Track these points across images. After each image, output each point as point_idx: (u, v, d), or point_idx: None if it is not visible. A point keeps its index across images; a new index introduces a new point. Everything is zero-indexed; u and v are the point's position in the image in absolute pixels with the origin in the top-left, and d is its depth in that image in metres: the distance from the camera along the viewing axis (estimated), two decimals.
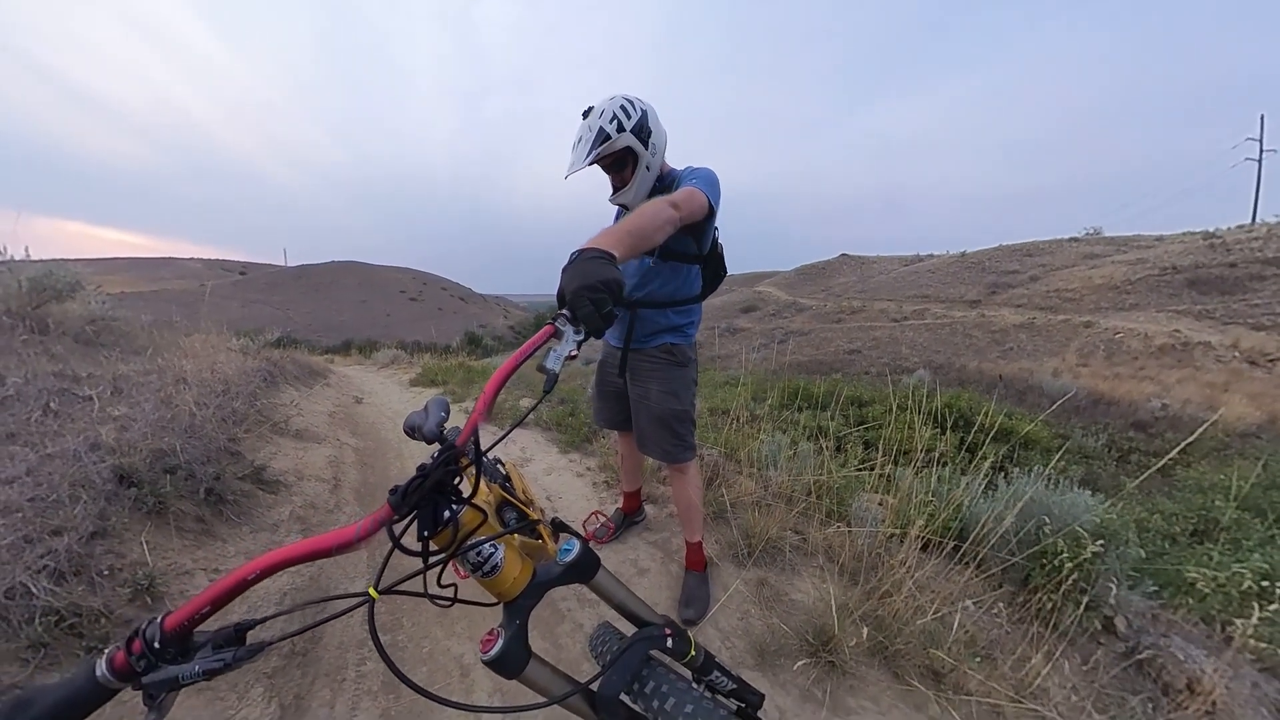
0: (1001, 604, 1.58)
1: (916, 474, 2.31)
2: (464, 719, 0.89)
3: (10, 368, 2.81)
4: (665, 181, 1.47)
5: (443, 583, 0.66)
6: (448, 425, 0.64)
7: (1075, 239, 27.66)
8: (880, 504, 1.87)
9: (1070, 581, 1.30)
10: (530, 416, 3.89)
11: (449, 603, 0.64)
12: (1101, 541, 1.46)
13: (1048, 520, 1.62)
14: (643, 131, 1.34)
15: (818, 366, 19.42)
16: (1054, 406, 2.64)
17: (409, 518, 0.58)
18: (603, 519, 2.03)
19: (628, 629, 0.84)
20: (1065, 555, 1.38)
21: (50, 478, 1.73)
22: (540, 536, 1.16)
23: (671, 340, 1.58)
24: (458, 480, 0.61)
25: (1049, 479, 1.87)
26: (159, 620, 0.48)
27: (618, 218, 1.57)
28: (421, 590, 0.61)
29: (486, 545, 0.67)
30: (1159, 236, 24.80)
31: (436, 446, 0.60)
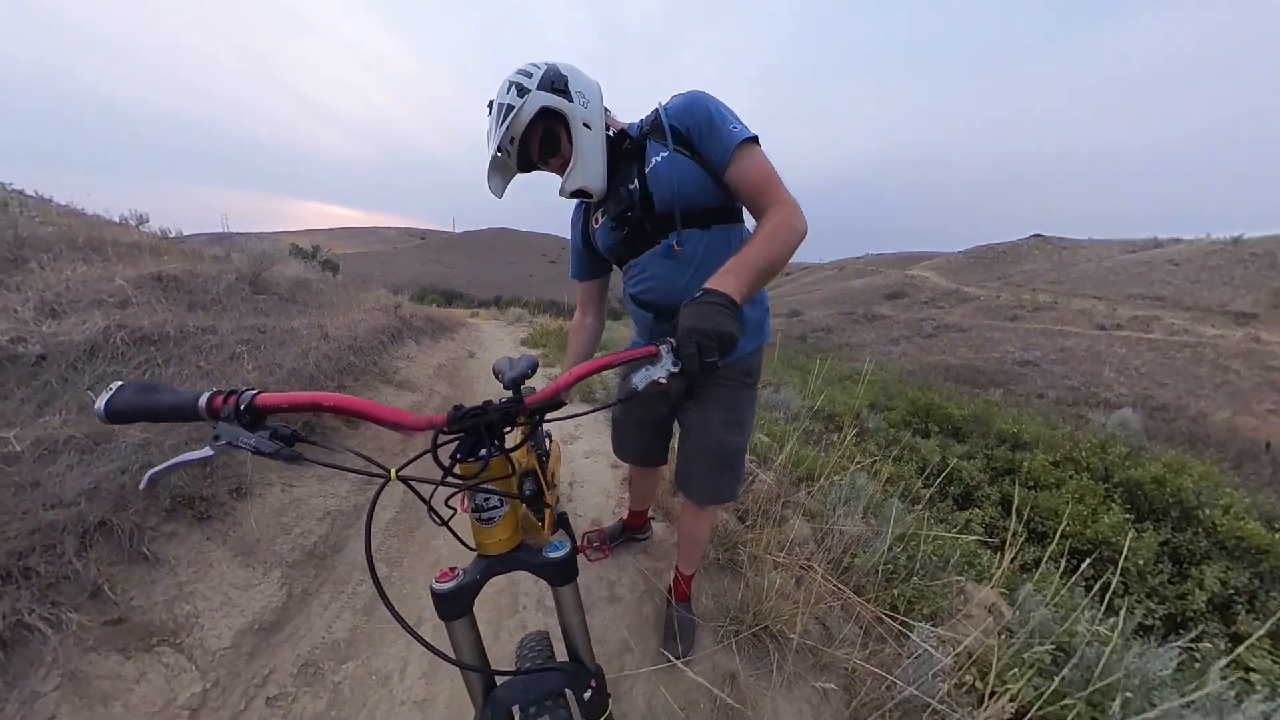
0: None
1: (1063, 587, 1.57)
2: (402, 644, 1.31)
3: (228, 320, 3.67)
4: (633, 138, 1.08)
5: (449, 504, 0.72)
6: (527, 383, 0.72)
7: None
8: (958, 648, 1.27)
9: None
10: (595, 399, 3.89)
11: (441, 522, 0.69)
12: None
13: None
14: (556, 83, 0.99)
15: (973, 375, 15.97)
16: None
17: (454, 436, 0.66)
18: (599, 539, 1.82)
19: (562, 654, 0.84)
20: None
21: None
22: (542, 520, 1.24)
23: (754, 345, 1.25)
24: (508, 430, 0.69)
25: None
26: (254, 394, 0.58)
27: (584, 218, 1.27)
28: (427, 498, 0.67)
29: (496, 497, 0.73)
30: None
31: (509, 395, 0.68)
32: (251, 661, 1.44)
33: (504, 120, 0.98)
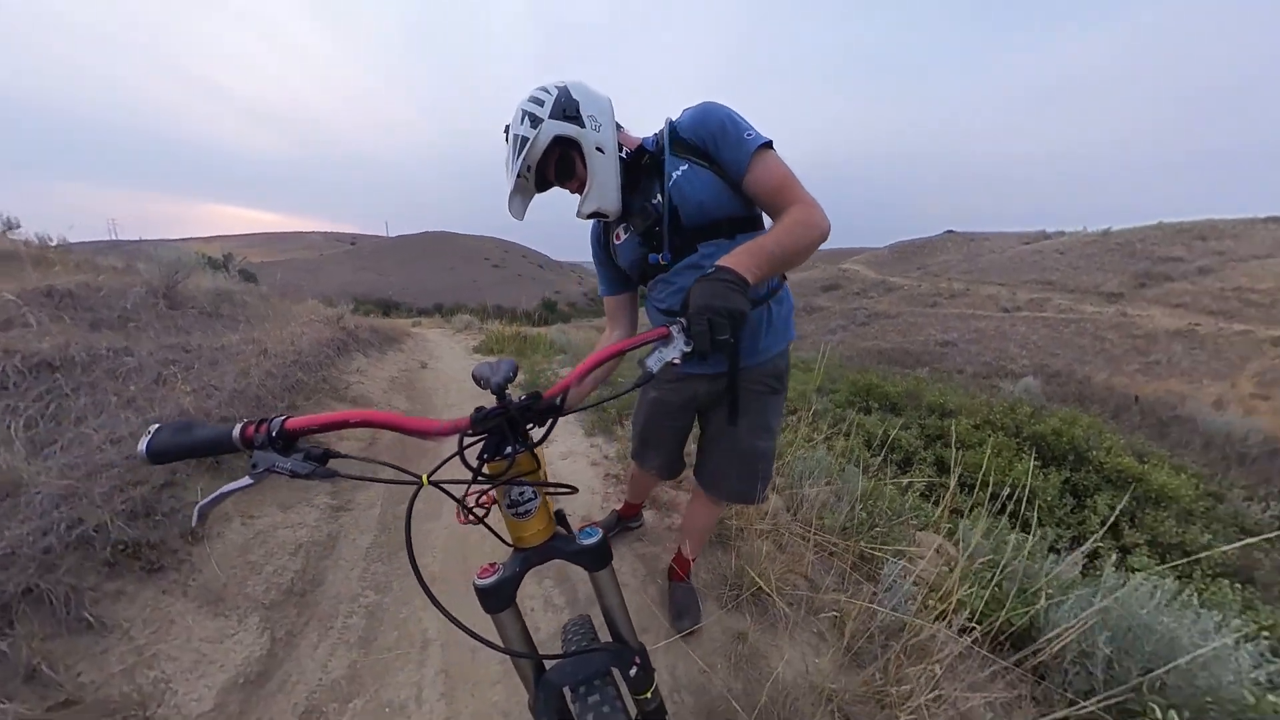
0: None
1: (993, 525, 1.84)
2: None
3: (143, 340, 3.29)
4: (650, 153, 1.09)
5: (480, 502, 0.73)
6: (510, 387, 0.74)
7: (1275, 219, 21.47)
8: (918, 578, 1.47)
9: None
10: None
11: (477, 520, 0.71)
12: None
13: (1161, 664, 1.15)
14: (568, 109, 1.01)
15: (902, 356, 17.47)
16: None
17: (480, 437, 0.68)
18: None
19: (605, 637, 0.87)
20: None
21: None
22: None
23: (781, 346, 1.23)
24: (530, 426, 0.70)
25: (1185, 580, 1.35)
26: (283, 419, 0.60)
27: (603, 235, 1.28)
28: (460, 497, 0.69)
29: (530, 489, 0.75)
30: None
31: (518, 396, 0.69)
32: None
33: (520, 152, 1.00)
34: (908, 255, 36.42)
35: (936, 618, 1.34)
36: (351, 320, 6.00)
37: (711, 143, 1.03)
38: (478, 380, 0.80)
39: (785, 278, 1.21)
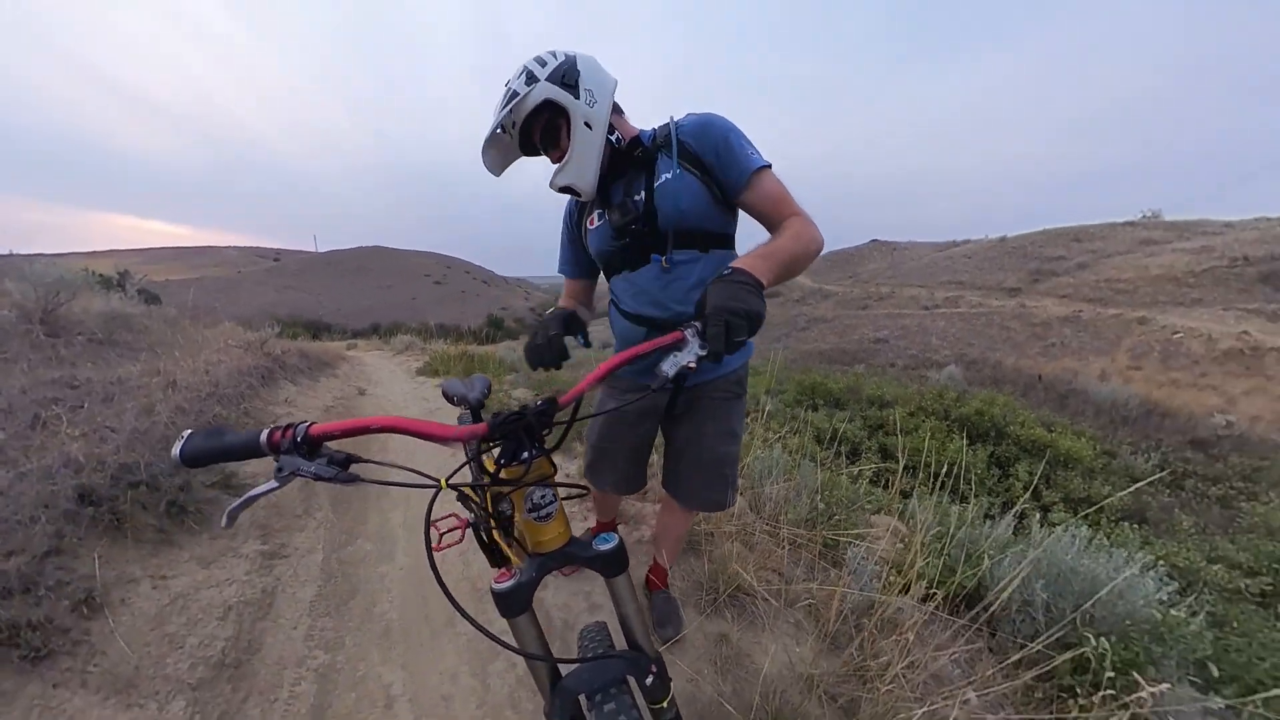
0: (1016, 699, 1.31)
1: (937, 501, 2.01)
2: None
3: (14, 374, 2.80)
4: (643, 145, 1.07)
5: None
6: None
7: (1131, 223, 25.43)
8: (879, 558, 1.57)
9: (1109, 687, 1.03)
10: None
11: (498, 525, 0.74)
12: (1159, 646, 1.17)
13: (1087, 599, 1.31)
14: (567, 77, 0.98)
15: (840, 355, 18.68)
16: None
17: (496, 442, 0.69)
18: None
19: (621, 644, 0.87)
20: (1111, 657, 1.10)
21: (19, 498, 1.73)
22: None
23: (744, 357, 1.24)
24: (546, 431, 0.71)
25: (1095, 527, 1.55)
26: (308, 425, 0.61)
27: (576, 213, 1.24)
28: (480, 499, 0.71)
29: (550, 493, 0.76)
30: (1228, 223, 22.35)
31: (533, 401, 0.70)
32: None
33: (507, 104, 0.98)
34: (840, 263, 39.23)
35: (900, 591, 1.43)
36: (277, 345, 5.49)
37: (712, 153, 1.03)
38: (449, 398, 0.81)
39: None
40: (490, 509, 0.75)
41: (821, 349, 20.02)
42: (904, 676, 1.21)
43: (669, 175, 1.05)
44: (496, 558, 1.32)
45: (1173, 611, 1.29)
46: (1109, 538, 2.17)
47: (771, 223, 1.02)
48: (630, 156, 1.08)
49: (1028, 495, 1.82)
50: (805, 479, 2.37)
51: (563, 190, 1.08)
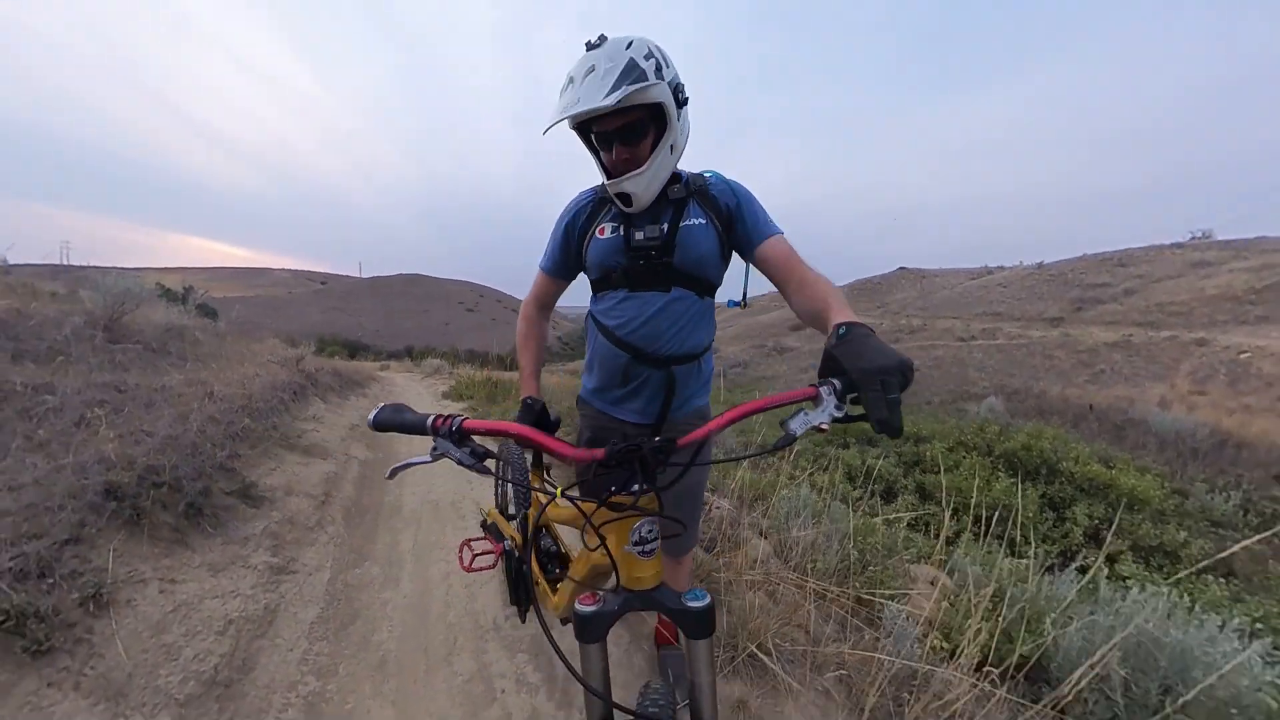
0: None
1: (986, 550, 1.79)
2: None
3: (72, 375, 2.98)
4: (685, 185, 1.08)
5: (589, 545, 0.80)
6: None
7: (1179, 245, 23.99)
8: (922, 620, 1.38)
9: None
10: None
11: (597, 545, 0.78)
12: None
13: (1175, 678, 1.10)
14: (679, 93, 0.95)
15: None
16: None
17: (610, 469, 0.73)
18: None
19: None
20: None
21: (52, 487, 1.82)
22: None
23: (705, 403, 1.27)
24: (660, 470, 0.73)
25: (1174, 582, 1.32)
26: (462, 419, 0.71)
27: (588, 215, 1.17)
28: (587, 515, 0.75)
29: (655, 529, 0.78)
30: None
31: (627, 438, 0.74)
32: None
33: (625, 78, 0.87)
34: (867, 292, 38.38)
35: (947, 659, 1.25)
36: (312, 362, 5.70)
37: (735, 209, 1.09)
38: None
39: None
40: (535, 543, 0.80)
41: None
42: None
43: (696, 221, 1.10)
44: (517, 594, 1.28)
45: None
46: (1191, 595, 1.88)
47: (784, 279, 1.05)
48: (670, 188, 1.09)
49: (1091, 545, 1.60)
50: (836, 521, 2.18)
51: (619, 195, 1.04)
